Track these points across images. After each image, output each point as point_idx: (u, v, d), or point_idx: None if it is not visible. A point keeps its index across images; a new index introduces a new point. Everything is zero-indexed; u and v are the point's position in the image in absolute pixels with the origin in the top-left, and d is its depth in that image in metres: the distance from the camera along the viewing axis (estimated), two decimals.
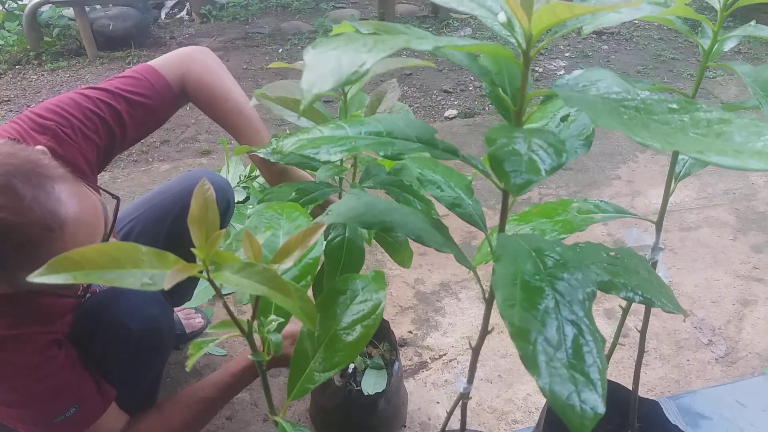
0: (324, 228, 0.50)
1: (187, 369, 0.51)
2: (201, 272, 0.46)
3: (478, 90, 3.19)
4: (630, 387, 1.05)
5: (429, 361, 1.66)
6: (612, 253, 0.65)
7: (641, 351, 0.96)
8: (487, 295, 0.66)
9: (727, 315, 1.75)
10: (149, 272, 0.45)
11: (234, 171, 2.37)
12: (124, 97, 1.10)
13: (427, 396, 1.56)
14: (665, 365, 1.63)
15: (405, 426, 1.48)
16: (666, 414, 1.06)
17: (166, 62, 1.18)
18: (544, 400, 1.54)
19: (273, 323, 0.57)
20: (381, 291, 0.65)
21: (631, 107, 0.45)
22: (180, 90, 1.19)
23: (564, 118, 0.68)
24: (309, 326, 0.47)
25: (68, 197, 0.84)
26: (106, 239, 0.94)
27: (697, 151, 0.38)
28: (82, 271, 0.43)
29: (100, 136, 1.10)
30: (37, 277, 0.42)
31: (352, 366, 1.35)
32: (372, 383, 1.31)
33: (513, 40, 0.49)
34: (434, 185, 0.64)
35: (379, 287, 0.66)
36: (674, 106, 0.45)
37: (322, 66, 0.37)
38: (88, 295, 1.09)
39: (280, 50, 3.59)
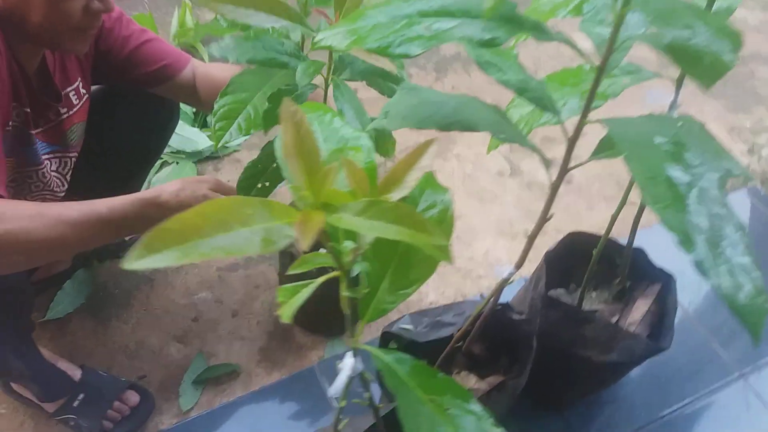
0: (433, 144, 0.42)
1: (285, 320, 0.44)
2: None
3: None
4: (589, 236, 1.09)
5: None
6: (680, 123, 0.61)
7: (642, 205, 0.98)
8: (553, 180, 0.61)
9: None
10: (260, 228, 0.36)
11: None
12: None
13: None
14: (610, 205, 1.71)
15: None
16: (651, 260, 1.11)
17: None
18: (501, 254, 1.59)
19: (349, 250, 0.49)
20: (444, 193, 0.59)
21: None
22: None
23: None
24: (448, 262, 0.41)
25: None
26: None
27: None
28: (190, 242, 0.33)
29: None
30: (137, 263, 0.31)
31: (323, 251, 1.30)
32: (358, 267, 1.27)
33: None
34: (495, 67, 0.56)
35: (440, 189, 0.59)
36: None
37: None
38: None
39: None
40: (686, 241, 0.40)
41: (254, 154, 1.56)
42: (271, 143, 0.98)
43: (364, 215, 0.38)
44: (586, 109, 0.53)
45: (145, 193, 0.89)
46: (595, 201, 1.73)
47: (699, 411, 1.24)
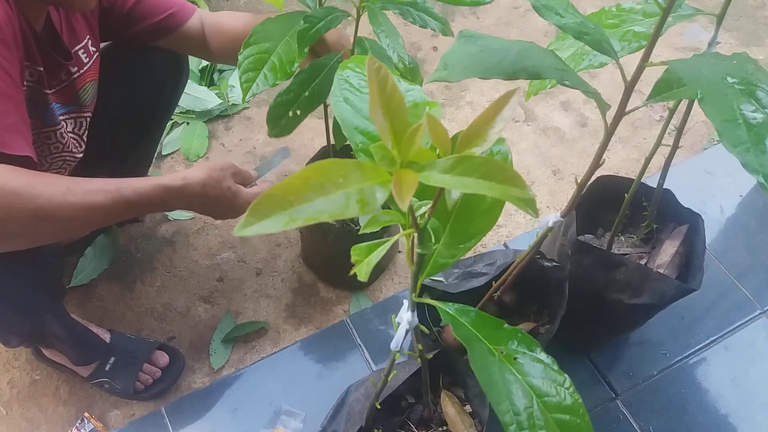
0: (516, 94, 0.41)
1: (362, 279, 0.44)
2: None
3: None
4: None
5: None
6: (735, 61, 0.60)
7: (674, 147, 0.97)
8: (609, 126, 0.61)
9: None
10: (355, 191, 0.35)
11: None
12: None
13: None
14: (625, 147, 1.71)
15: (400, 251, 1.50)
16: (677, 200, 1.11)
17: None
18: None
19: (423, 208, 0.49)
20: (502, 143, 0.58)
21: None
22: None
23: None
24: (533, 215, 0.40)
25: None
26: None
27: None
28: (294, 207, 0.32)
29: None
30: (247, 230, 0.31)
31: None
32: None
33: None
34: (553, 11, 0.55)
35: (498, 140, 0.58)
36: None
37: None
38: None
39: None
40: None
41: (263, 111, 1.53)
42: (303, 71, 0.97)
43: (453, 172, 0.38)
44: (648, 52, 0.52)
45: (171, 181, 0.90)
46: (610, 143, 1.72)
47: (723, 349, 1.27)
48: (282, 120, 0.96)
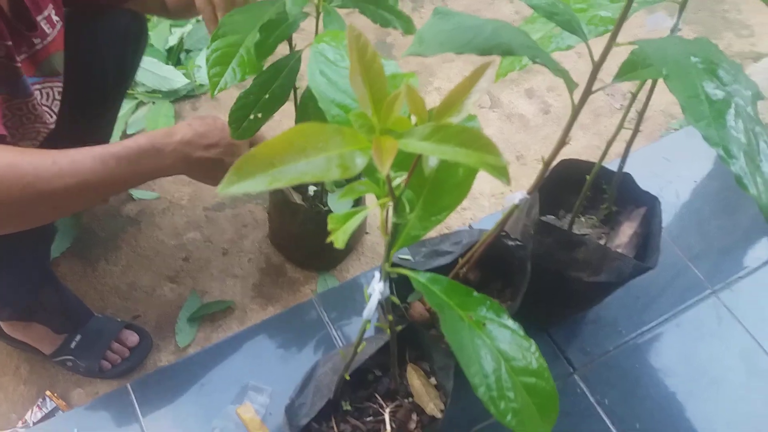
0: (490, 67, 0.43)
1: (339, 246, 0.45)
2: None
3: None
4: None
5: None
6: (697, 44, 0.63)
7: (635, 131, 1.01)
8: (575, 105, 0.63)
9: None
10: (335, 155, 0.36)
11: None
12: None
13: None
14: (587, 134, 1.75)
15: (367, 233, 1.51)
16: (636, 183, 1.15)
17: None
18: (483, 187, 1.62)
19: (398, 178, 0.51)
20: (473, 119, 0.60)
21: None
22: None
23: None
24: (506, 183, 0.42)
25: None
26: None
27: None
28: (276, 168, 0.33)
29: None
30: (230, 188, 0.32)
31: (312, 188, 1.30)
32: (341, 202, 1.27)
33: None
34: None
35: (468, 116, 0.60)
36: None
37: None
38: None
39: None
40: (728, 156, 0.43)
41: (232, 92, 1.53)
42: (263, 73, 0.97)
43: (432, 139, 0.39)
44: (615, 32, 0.54)
45: (155, 130, 0.89)
46: (572, 130, 1.76)
47: (675, 326, 1.33)
48: (244, 122, 0.95)
